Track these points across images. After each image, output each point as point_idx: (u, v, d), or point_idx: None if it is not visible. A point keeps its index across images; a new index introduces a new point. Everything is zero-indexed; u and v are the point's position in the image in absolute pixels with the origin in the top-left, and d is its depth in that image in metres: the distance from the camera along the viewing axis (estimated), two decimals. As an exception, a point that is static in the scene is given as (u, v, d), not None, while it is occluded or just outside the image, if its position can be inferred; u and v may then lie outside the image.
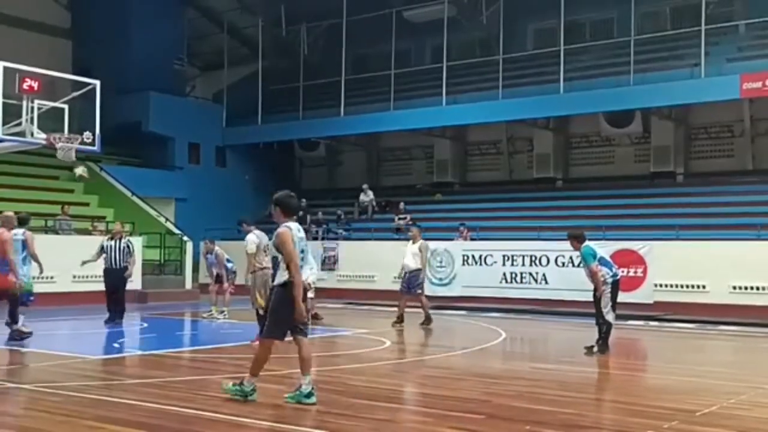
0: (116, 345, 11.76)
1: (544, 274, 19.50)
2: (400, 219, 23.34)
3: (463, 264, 20.60)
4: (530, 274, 19.25)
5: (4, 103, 14.07)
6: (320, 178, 30.11)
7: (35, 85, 14.20)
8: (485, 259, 20.30)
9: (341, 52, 25.32)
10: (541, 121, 24.66)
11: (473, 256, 20.52)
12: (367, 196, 25.25)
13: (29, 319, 11.68)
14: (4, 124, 14.10)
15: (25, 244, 11.25)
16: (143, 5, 26.31)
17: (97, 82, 14.91)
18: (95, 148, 15.07)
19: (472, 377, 9.34)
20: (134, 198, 23.56)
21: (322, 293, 16.84)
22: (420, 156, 28.26)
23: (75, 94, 14.82)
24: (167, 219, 23.74)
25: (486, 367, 10.48)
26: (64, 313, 16.02)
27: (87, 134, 14.53)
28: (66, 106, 14.51)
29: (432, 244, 21.19)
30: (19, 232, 11.28)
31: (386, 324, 14.54)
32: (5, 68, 14.06)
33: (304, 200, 25.23)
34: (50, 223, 19.91)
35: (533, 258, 19.23)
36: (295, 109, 26.59)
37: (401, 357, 11.43)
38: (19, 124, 14.29)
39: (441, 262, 20.78)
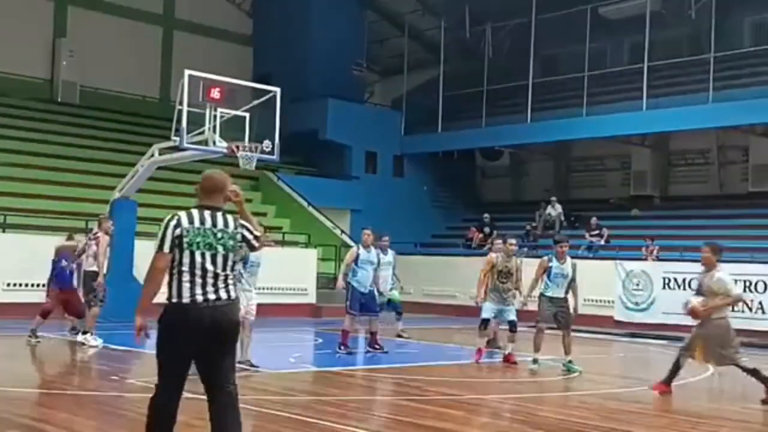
0: (291, 360, 12.31)
1: (760, 302, 18.34)
2: (591, 236, 22.76)
3: (664, 287, 19.80)
4: (743, 301, 18.12)
5: (188, 112, 15.21)
6: (503, 190, 30.01)
7: (218, 93, 15.21)
8: (690, 282, 19.30)
9: (529, 53, 25.16)
10: (760, 127, 23.25)
11: (675, 279, 19.65)
12: (555, 210, 24.87)
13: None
14: (187, 132, 15.22)
15: None
16: (323, 9, 27.52)
17: (278, 90, 15.77)
18: (274, 157, 15.92)
19: (672, 415, 8.98)
20: (310, 208, 24.55)
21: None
22: (615, 166, 27.46)
23: (255, 102, 15.75)
24: (342, 231, 24.51)
25: (689, 405, 10.02)
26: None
27: (267, 143, 15.39)
28: (247, 115, 15.45)
29: (628, 265, 20.73)
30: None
31: (579, 351, 14.23)
32: (191, 76, 15.19)
33: (487, 215, 25.38)
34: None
35: (747, 283, 18.13)
36: (478, 116, 26.64)
37: (590, 388, 11.17)
38: (202, 132, 15.38)
39: (638, 284, 20.12)
